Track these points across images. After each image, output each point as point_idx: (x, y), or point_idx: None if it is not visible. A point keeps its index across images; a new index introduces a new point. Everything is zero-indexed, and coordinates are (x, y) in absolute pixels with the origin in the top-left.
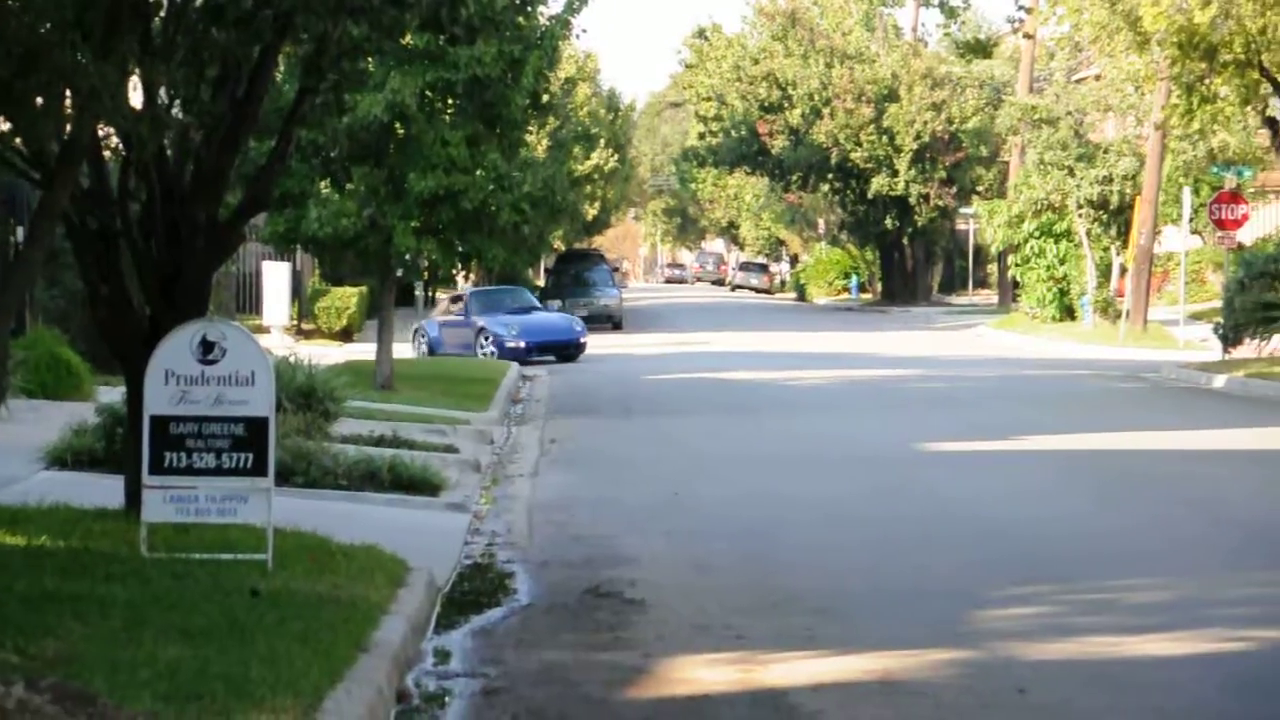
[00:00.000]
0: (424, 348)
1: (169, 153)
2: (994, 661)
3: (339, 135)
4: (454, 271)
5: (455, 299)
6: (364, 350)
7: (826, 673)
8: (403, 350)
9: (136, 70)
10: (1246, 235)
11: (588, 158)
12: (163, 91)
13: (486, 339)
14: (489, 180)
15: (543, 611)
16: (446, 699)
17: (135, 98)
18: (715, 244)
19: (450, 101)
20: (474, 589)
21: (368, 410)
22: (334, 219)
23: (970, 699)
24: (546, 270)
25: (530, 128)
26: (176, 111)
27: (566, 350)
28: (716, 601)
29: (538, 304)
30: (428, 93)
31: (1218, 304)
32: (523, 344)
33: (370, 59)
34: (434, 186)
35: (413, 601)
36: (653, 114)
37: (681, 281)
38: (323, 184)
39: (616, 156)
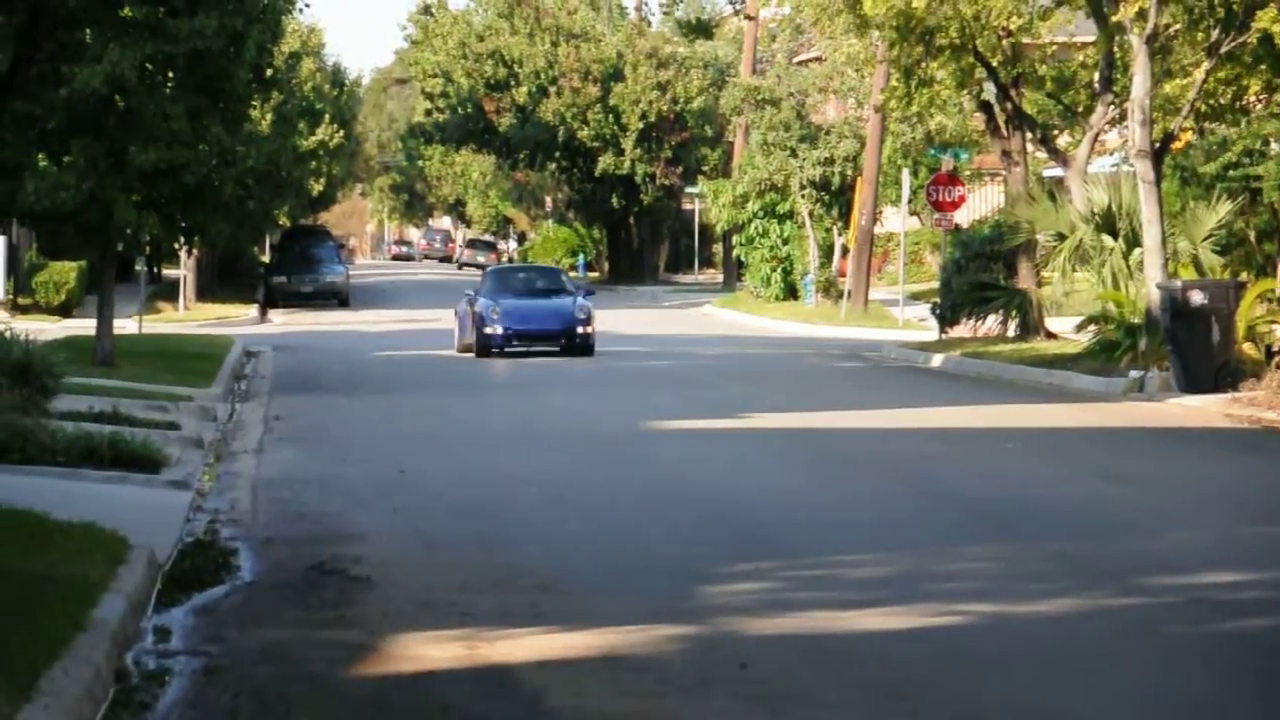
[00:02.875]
0: (456, 332)
1: None
2: (716, 636)
3: (56, 107)
4: (176, 247)
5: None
6: (83, 326)
7: (552, 649)
8: (124, 325)
9: None
10: (963, 217)
11: (313, 133)
12: None
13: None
14: (212, 154)
15: (266, 589)
16: (167, 678)
17: None
18: (443, 221)
19: (171, 74)
20: (196, 567)
21: (87, 386)
22: (52, 192)
23: (693, 673)
24: (272, 247)
25: (254, 102)
26: None
27: (558, 340)
28: (442, 578)
29: (570, 287)
30: (148, 65)
31: (936, 284)
32: (500, 330)
33: (88, 30)
34: (155, 160)
35: (133, 579)
36: (379, 90)
37: (409, 259)
38: (40, 156)
39: (342, 132)
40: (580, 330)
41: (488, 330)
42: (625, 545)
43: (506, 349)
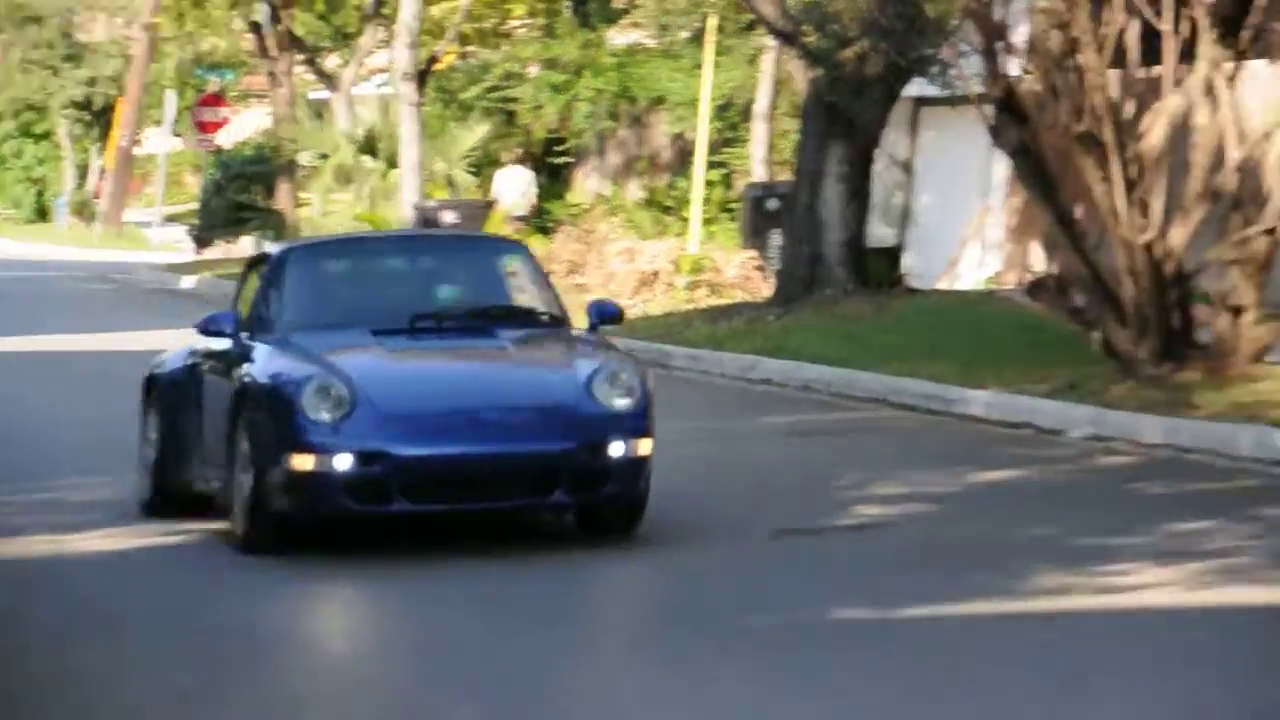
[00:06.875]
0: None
1: None
2: None
3: None
4: None
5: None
6: None
7: None
8: None
9: None
10: (228, 138)
11: None
12: None
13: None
14: None
15: None
16: None
17: None
18: None
19: None
20: None
21: None
22: None
23: None
24: None
25: None
26: None
27: (548, 488)
28: None
29: (552, 308)
30: None
31: (197, 206)
32: (352, 454)
33: None
34: None
35: None
36: None
37: None
38: None
39: None
40: (621, 450)
41: (315, 466)
42: None
43: (406, 512)
